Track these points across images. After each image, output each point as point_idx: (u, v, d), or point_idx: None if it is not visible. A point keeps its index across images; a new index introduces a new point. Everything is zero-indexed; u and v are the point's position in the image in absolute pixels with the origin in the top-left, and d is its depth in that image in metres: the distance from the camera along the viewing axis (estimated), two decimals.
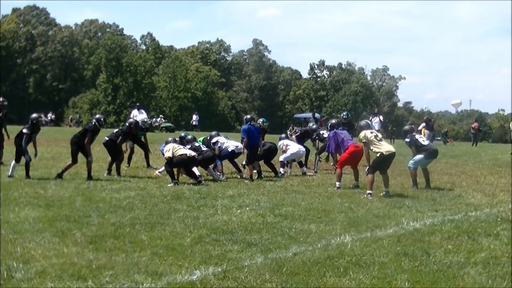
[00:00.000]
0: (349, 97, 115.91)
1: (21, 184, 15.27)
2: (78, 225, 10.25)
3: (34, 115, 17.71)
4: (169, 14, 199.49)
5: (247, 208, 12.62)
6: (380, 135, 16.05)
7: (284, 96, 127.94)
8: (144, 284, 7.12)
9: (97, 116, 18.60)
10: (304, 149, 20.77)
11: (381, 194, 15.33)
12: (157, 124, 58.98)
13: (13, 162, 16.96)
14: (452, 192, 16.25)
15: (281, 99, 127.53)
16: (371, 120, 38.91)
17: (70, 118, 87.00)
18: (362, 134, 15.93)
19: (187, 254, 8.52)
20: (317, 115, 45.05)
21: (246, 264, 8.10)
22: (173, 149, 17.01)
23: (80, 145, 17.34)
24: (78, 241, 9.09)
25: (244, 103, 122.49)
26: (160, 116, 68.27)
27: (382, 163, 15.67)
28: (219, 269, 7.80)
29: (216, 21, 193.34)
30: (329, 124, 18.64)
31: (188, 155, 16.95)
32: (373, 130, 16.31)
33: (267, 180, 18.04)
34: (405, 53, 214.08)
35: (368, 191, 15.27)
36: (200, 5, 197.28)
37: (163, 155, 17.48)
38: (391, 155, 15.74)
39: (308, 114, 60.64)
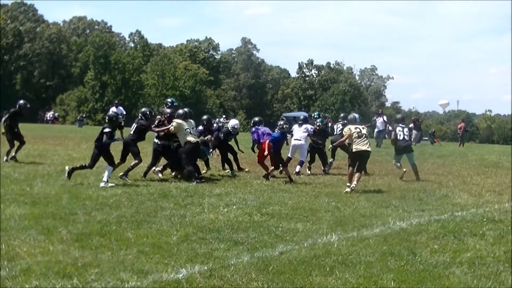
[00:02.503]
0: (338, 97, 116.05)
1: (7, 181, 15.20)
2: (64, 223, 10.22)
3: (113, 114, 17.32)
4: (158, 12, 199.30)
5: (234, 207, 12.62)
6: (364, 132, 16.43)
7: (272, 95, 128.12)
8: (130, 282, 7.11)
9: (143, 109, 18.17)
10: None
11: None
12: (220, 124, 58.64)
13: (109, 167, 16.04)
14: (438, 192, 16.29)
15: (270, 97, 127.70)
16: (375, 120, 39.01)
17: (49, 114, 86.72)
18: (346, 128, 16.81)
19: (174, 252, 8.51)
20: (305, 114, 45.07)
21: (232, 262, 8.11)
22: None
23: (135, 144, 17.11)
24: (64, 238, 9.07)
25: (232, 101, 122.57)
26: (223, 116, 67.94)
27: (354, 159, 16.30)
28: (205, 268, 7.80)
29: (205, 19, 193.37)
30: (252, 121, 19.98)
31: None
32: (357, 126, 16.56)
33: (254, 179, 18.03)
34: (393, 52, 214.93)
35: (348, 184, 15.98)
36: (189, 3, 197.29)
37: None
38: (361, 153, 16.35)
39: (297, 113, 60.65)
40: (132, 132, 17.12)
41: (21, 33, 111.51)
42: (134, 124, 17.35)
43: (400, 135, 19.02)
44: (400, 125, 19.53)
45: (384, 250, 9.09)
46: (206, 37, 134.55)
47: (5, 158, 19.72)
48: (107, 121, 16.32)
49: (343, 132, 17.02)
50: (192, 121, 17.82)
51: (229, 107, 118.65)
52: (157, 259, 8.11)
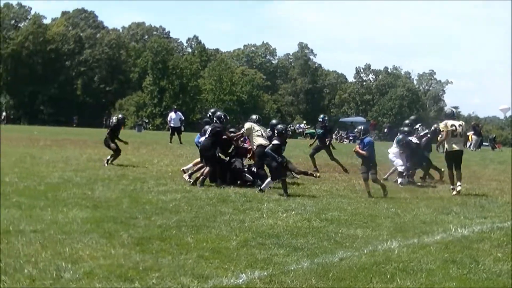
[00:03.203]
0: (395, 102, 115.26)
1: (70, 185, 15.42)
2: (125, 227, 10.30)
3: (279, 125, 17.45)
4: (215, 17, 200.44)
5: (293, 212, 12.58)
6: (460, 130, 16.97)
7: (329, 100, 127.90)
8: (190, 287, 7.13)
9: (218, 113, 18.12)
10: None
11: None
12: (300, 130, 59.01)
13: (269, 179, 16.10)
14: (501, 199, 16.04)
15: (327, 102, 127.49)
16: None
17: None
18: (443, 124, 17.25)
19: (233, 257, 8.52)
20: (362, 119, 44.86)
21: (292, 268, 8.08)
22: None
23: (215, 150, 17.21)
24: (125, 242, 9.14)
25: (289, 106, 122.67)
26: (304, 122, 68.33)
27: (449, 159, 17.12)
28: (265, 273, 7.78)
29: (261, 24, 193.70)
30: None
31: None
32: (453, 123, 17.20)
33: (312, 184, 17.97)
34: (452, 57, 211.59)
35: (452, 187, 17.01)
36: (245, 8, 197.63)
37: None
38: (455, 153, 17.00)
39: (354, 118, 60.36)
40: (207, 136, 17.10)
41: (81, 39, 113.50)
42: (208, 128, 17.34)
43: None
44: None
45: (445, 258, 8.96)
46: (263, 42, 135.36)
47: (105, 162, 21.11)
48: (276, 134, 16.42)
49: (440, 128, 16.94)
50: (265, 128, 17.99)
51: (286, 112, 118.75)
52: (217, 264, 8.12)
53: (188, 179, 17.44)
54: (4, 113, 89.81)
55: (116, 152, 21.57)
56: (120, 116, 24.06)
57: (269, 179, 16.04)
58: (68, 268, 7.56)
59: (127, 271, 7.59)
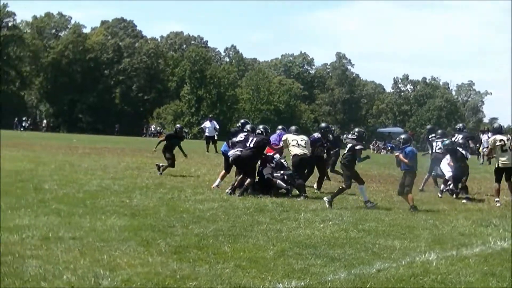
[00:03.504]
0: (433, 112, 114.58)
1: (108, 192, 15.53)
2: (163, 235, 10.33)
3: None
4: (253, 27, 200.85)
5: (330, 223, 12.53)
6: (509, 144, 16.97)
7: (367, 110, 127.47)
8: None
9: (261, 126, 18.43)
10: None
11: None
12: (348, 141, 59.08)
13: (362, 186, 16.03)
14: None
15: (364, 113, 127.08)
16: (480, 137, 37.65)
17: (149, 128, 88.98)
18: (492, 138, 17.48)
19: (270, 267, 8.50)
20: (400, 129, 44.50)
21: (329, 279, 8.04)
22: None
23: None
24: (163, 250, 9.16)
25: (326, 116, 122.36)
26: (351, 132, 68.68)
27: (499, 174, 17.23)
28: (302, 283, 7.76)
29: (299, 34, 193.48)
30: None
31: None
32: (502, 138, 17.13)
33: (350, 195, 17.88)
34: (491, 67, 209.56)
35: (496, 199, 17.10)
36: (283, 18, 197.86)
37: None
38: (504, 168, 17.14)
39: (392, 129, 59.97)
40: (251, 147, 16.94)
41: (120, 48, 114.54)
42: (251, 138, 17.13)
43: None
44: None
45: (485, 271, 8.85)
46: (301, 52, 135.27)
47: (159, 171, 21.16)
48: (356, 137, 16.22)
49: (489, 143, 17.05)
50: (305, 137, 17.99)
51: (323, 122, 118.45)
52: (254, 274, 8.11)
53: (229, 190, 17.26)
54: (45, 121, 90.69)
55: (170, 163, 21.52)
56: (178, 126, 23.98)
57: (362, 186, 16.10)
58: (106, 276, 7.60)
59: (165, 279, 7.61)
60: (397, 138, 16.93)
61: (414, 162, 15.57)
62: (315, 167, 19.35)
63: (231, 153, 17.28)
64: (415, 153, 15.83)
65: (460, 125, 21.89)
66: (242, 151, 16.92)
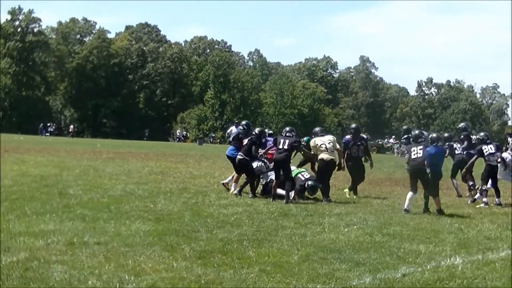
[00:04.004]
0: (458, 115, 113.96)
1: (132, 197, 15.57)
2: (187, 240, 10.33)
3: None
4: (277, 31, 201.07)
5: (355, 227, 12.48)
6: None
7: (391, 113, 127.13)
8: None
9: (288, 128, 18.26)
10: None
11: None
12: (389, 145, 59.05)
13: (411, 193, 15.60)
14: None
15: (388, 116, 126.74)
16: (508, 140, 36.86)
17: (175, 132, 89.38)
18: None
19: (295, 271, 8.47)
20: (425, 133, 44.00)
21: (354, 283, 8.01)
22: None
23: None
24: (187, 255, 9.16)
25: (350, 120, 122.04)
26: (393, 136, 69.30)
27: None
28: None
29: (323, 37, 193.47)
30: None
31: None
32: None
33: (374, 198, 17.82)
34: None
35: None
36: (307, 22, 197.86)
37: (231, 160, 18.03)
38: None
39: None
40: (285, 148, 16.74)
41: (144, 53, 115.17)
42: (283, 140, 16.84)
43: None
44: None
45: (511, 275, 8.76)
46: (324, 55, 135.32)
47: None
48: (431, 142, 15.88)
49: None
50: (330, 136, 17.88)
51: (347, 125, 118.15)
52: (279, 279, 8.08)
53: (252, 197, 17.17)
54: (71, 126, 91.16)
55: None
56: (266, 129, 21.92)
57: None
58: (131, 281, 7.61)
59: (189, 284, 7.60)
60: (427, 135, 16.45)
61: (437, 163, 15.46)
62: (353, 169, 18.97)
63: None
64: (438, 153, 15.60)
65: (463, 124, 21.43)
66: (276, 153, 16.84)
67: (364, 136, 20.24)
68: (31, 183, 17.42)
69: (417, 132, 16.73)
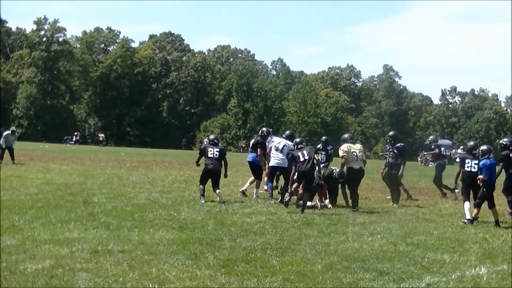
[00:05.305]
0: (482, 124, 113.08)
1: (156, 206, 15.63)
2: (211, 248, 10.35)
3: None
4: (300, 40, 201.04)
5: (378, 236, 12.43)
6: None
7: (414, 122, 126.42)
8: None
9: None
10: None
11: None
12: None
13: None
14: None
15: (412, 125, 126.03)
16: None
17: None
18: None
19: (319, 280, 8.46)
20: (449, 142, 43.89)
21: None
22: None
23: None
24: (211, 264, 9.17)
25: (374, 128, 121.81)
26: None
27: None
28: None
29: (346, 46, 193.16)
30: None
31: None
32: None
33: (398, 208, 17.75)
34: None
35: None
36: (330, 31, 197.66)
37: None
38: None
39: (441, 141, 59.07)
40: (308, 158, 16.48)
41: (168, 62, 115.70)
42: (302, 152, 16.60)
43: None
44: None
45: None
46: (348, 64, 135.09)
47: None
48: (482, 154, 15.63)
49: None
50: (360, 145, 17.97)
51: (370, 134, 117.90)
52: (302, 287, 8.08)
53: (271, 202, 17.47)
54: (102, 135, 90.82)
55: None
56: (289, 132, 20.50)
57: None
58: None
59: None
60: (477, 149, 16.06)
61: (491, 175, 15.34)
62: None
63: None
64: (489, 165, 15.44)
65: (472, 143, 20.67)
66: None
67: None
68: (56, 191, 17.56)
69: (472, 143, 16.67)
